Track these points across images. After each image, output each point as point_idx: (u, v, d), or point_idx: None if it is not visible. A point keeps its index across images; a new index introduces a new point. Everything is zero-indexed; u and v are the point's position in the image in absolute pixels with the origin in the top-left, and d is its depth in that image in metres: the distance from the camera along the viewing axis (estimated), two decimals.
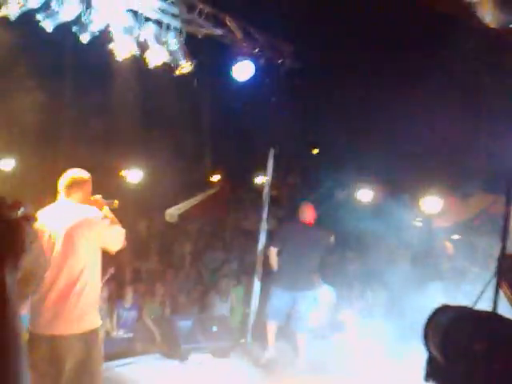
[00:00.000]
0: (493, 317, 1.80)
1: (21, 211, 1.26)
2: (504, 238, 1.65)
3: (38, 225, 4.28)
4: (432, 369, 1.95)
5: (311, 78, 10.26)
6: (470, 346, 1.74)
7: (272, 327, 7.84)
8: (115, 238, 4.50)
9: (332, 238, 8.08)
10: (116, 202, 4.65)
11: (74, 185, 4.44)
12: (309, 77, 10.00)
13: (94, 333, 4.27)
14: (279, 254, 7.82)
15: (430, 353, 1.94)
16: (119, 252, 4.64)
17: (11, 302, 1.10)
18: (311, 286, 7.92)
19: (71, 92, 9.43)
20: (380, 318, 9.12)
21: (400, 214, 11.92)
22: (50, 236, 4.30)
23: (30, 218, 1.29)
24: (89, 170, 4.62)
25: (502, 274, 1.74)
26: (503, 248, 1.67)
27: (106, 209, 4.61)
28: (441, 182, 11.45)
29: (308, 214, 7.87)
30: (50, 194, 4.51)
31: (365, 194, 12.52)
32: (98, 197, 4.63)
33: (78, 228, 4.30)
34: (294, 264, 7.64)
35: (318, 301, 8.49)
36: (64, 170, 4.51)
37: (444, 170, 11.07)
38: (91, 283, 4.33)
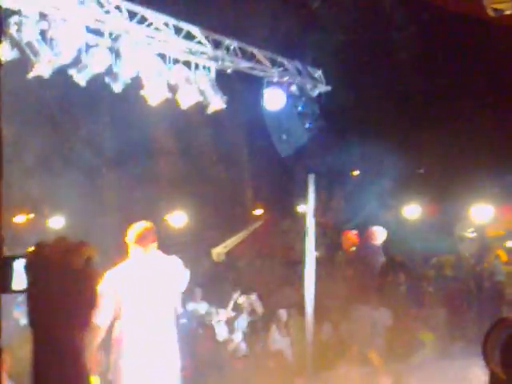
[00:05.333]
0: None
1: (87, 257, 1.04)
2: None
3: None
4: None
5: (342, 100, 10.20)
6: None
7: None
8: None
9: None
10: None
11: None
12: (340, 99, 9.96)
13: None
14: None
15: (490, 369, 1.81)
16: None
17: (85, 367, 0.99)
18: None
19: (111, 140, 9.63)
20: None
21: (450, 226, 11.64)
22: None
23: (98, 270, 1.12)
24: (133, 217, 4.80)
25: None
26: None
27: None
28: (490, 190, 11.13)
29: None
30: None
31: (412, 212, 12.25)
32: None
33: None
34: None
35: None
36: None
37: (493, 177, 10.75)
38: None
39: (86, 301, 1.00)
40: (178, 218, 12.52)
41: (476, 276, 10.86)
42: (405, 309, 9.29)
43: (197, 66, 7.79)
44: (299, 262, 9.37)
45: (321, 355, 8.48)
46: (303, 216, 9.90)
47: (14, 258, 1.05)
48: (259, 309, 9.83)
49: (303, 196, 9.84)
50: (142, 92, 7.29)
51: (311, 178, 8.92)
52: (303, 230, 9.10)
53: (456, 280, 10.81)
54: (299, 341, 9.27)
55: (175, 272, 4.76)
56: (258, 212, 14.00)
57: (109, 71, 7.11)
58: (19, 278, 1.03)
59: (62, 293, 0.97)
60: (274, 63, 8.39)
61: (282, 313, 9.38)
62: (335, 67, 9.31)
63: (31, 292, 0.99)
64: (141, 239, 4.64)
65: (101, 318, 4.49)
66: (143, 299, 4.59)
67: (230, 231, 12.66)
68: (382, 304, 9.00)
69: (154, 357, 4.58)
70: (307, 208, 9.02)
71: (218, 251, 12.32)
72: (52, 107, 8.65)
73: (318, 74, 9.02)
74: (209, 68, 7.89)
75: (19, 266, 1.03)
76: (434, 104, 12.11)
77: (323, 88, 9.05)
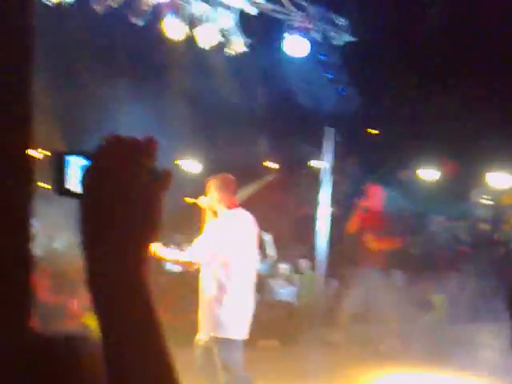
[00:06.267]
0: None
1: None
2: None
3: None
4: None
5: (368, 53, 9.84)
6: None
7: None
8: None
9: None
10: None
11: None
12: (365, 52, 9.61)
13: None
14: None
15: None
16: None
17: (156, 314, 0.80)
18: None
19: (125, 78, 9.35)
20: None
21: (466, 192, 11.47)
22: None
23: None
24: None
25: None
26: None
27: None
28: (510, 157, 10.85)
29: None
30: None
31: (428, 173, 12.04)
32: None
33: None
34: None
35: None
36: None
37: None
38: None
39: (148, 224, 0.80)
40: (190, 165, 12.40)
41: (490, 243, 10.73)
42: (417, 271, 9.18)
43: (219, 4, 7.45)
44: (311, 217, 9.25)
45: (328, 309, 8.46)
46: (318, 171, 9.75)
47: (69, 154, 0.88)
48: (271, 252, 9.50)
49: (319, 150, 9.64)
50: (162, 27, 7.01)
51: (329, 132, 8.70)
52: (317, 185, 8.95)
53: (469, 245, 10.70)
54: (307, 294, 9.25)
55: (255, 226, 4.71)
56: (272, 164, 13.80)
57: (128, 3, 6.85)
58: (75, 179, 0.86)
59: (120, 212, 0.79)
60: (298, 7, 8.02)
61: (283, 267, 9.30)
62: (362, 17, 8.91)
63: (84, 207, 0.81)
64: (229, 192, 4.56)
65: (197, 255, 4.41)
66: (242, 255, 4.50)
67: (242, 182, 12.44)
68: (394, 266, 8.91)
69: (247, 314, 4.57)
70: (323, 163, 8.84)
71: None
72: (71, 40, 8.32)
73: (344, 22, 8.63)
74: (231, 8, 7.56)
75: (75, 164, 0.86)
76: (458, 65, 11.74)
77: (348, 38, 8.67)
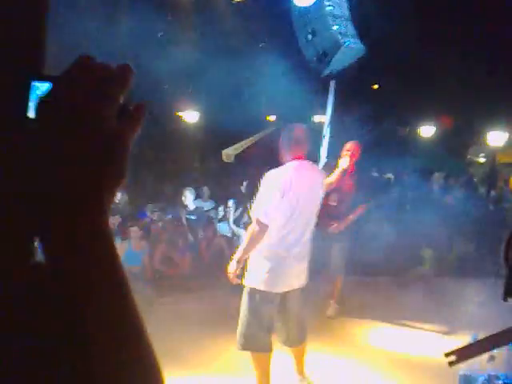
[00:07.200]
0: None
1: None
2: None
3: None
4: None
5: (375, 5, 9.74)
6: None
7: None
8: None
9: None
10: None
11: None
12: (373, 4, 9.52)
13: None
14: None
15: (510, 269, 1.85)
16: None
17: (121, 263, 0.65)
18: None
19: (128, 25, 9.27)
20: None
21: (463, 149, 11.59)
22: None
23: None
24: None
25: None
26: None
27: None
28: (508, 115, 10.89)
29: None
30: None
31: (427, 130, 12.09)
32: None
33: None
34: None
35: None
36: None
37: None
38: None
39: (111, 168, 0.66)
40: (191, 115, 12.39)
41: (483, 200, 10.89)
42: (408, 226, 9.36)
43: None
44: None
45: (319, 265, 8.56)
46: (318, 124, 9.80)
47: (36, 78, 0.72)
48: None
49: (320, 105, 9.65)
50: None
51: (332, 84, 8.70)
52: (319, 139, 9.00)
53: (461, 201, 10.84)
54: None
55: (322, 183, 4.26)
56: (273, 117, 13.80)
57: None
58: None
59: (75, 150, 0.64)
60: None
61: None
62: None
63: (33, 140, 0.66)
64: (302, 143, 4.04)
65: (271, 216, 3.89)
66: (302, 207, 4.02)
67: (241, 134, 12.48)
68: (385, 220, 9.08)
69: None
70: (325, 115, 8.87)
71: (228, 152, 12.20)
72: None
73: None
74: None
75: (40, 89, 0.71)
76: (460, 23, 11.65)
77: None
